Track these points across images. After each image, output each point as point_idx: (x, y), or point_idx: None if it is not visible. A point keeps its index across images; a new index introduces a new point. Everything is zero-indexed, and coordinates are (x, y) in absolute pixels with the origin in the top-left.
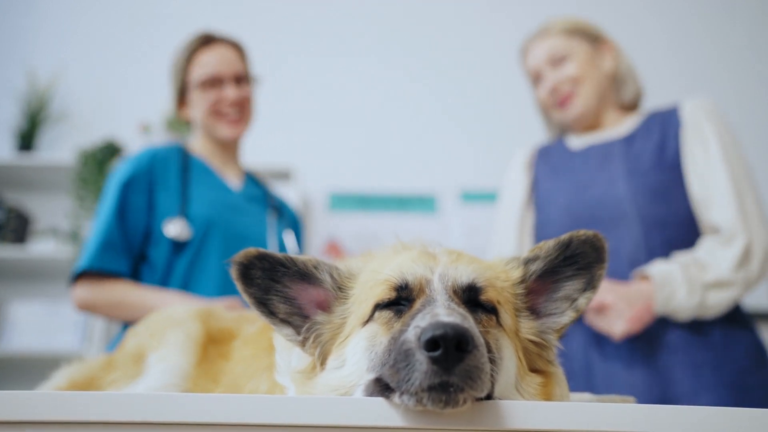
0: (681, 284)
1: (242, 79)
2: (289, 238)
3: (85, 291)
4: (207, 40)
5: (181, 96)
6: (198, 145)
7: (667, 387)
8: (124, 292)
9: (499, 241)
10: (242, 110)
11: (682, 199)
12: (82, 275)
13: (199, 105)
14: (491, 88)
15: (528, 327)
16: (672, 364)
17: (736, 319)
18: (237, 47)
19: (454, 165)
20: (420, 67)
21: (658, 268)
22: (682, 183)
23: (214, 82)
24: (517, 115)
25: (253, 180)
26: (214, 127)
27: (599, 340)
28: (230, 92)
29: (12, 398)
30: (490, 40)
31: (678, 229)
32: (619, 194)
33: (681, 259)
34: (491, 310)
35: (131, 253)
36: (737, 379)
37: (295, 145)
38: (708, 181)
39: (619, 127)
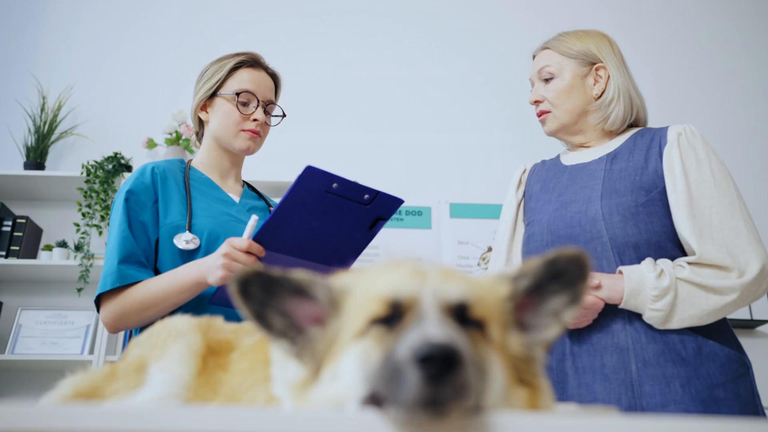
0: (651, 280)
1: (270, 107)
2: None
3: (112, 306)
4: (254, 63)
5: (207, 99)
6: (199, 159)
7: (637, 400)
8: (145, 288)
9: (494, 258)
10: (260, 132)
11: (658, 222)
12: (107, 294)
13: (223, 112)
14: (486, 102)
15: (516, 341)
16: (643, 378)
17: (715, 331)
18: (276, 79)
19: (447, 179)
20: (414, 80)
21: (633, 267)
22: (660, 206)
23: (248, 98)
24: (511, 130)
25: (250, 190)
26: (234, 137)
27: (573, 353)
28: (258, 114)
29: (13, 411)
30: (484, 55)
31: (655, 253)
32: (595, 214)
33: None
34: (480, 326)
35: (150, 264)
36: (706, 393)
37: (289, 161)
38: (689, 208)
39: (608, 144)
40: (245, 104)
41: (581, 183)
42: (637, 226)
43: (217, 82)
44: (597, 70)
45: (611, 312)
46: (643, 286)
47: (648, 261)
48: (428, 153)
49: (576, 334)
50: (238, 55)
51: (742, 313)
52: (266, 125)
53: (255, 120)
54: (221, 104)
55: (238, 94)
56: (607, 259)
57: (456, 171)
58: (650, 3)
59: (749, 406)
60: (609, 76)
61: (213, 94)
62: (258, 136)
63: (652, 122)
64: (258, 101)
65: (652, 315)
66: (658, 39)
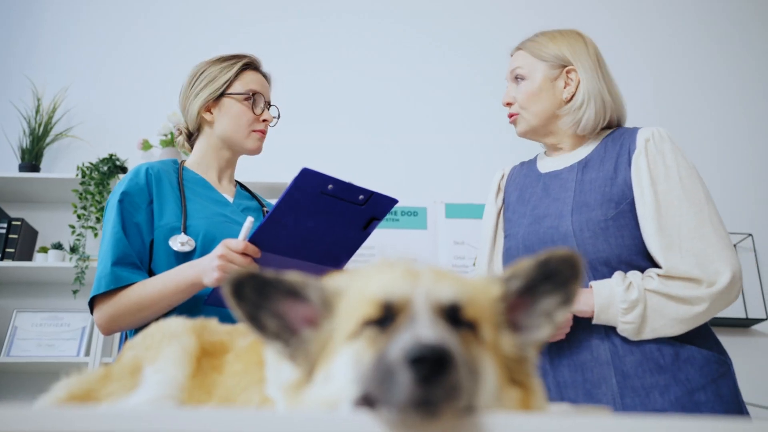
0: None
1: (269, 106)
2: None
3: (106, 308)
4: (256, 66)
5: (212, 100)
6: (194, 159)
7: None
8: (140, 290)
9: (478, 265)
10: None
11: (628, 236)
12: (101, 297)
13: (234, 113)
14: (483, 103)
15: (508, 342)
16: (624, 390)
17: (693, 334)
18: (269, 80)
19: (443, 179)
20: (411, 80)
21: (602, 282)
22: (630, 218)
23: (257, 99)
24: (507, 130)
25: (243, 191)
26: (245, 138)
27: (554, 366)
28: (267, 114)
29: (8, 413)
30: (483, 55)
31: (626, 267)
32: (566, 231)
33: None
34: (472, 327)
35: (144, 266)
36: (686, 398)
37: (286, 162)
38: (657, 221)
39: (580, 150)
40: (256, 105)
41: (554, 195)
42: (607, 241)
43: (225, 82)
44: (568, 73)
45: (588, 327)
46: (612, 299)
47: (617, 274)
48: (424, 153)
49: (555, 351)
50: (240, 57)
51: (737, 312)
52: (268, 123)
53: (265, 120)
54: (231, 105)
55: (253, 95)
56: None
57: (452, 171)
58: (650, 3)
59: (732, 405)
60: (579, 81)
61: (220, 95)
62: (265, 135)
63: (652, 122)
64: (264, 102)
65: (624, 327)
66: (658, 39)
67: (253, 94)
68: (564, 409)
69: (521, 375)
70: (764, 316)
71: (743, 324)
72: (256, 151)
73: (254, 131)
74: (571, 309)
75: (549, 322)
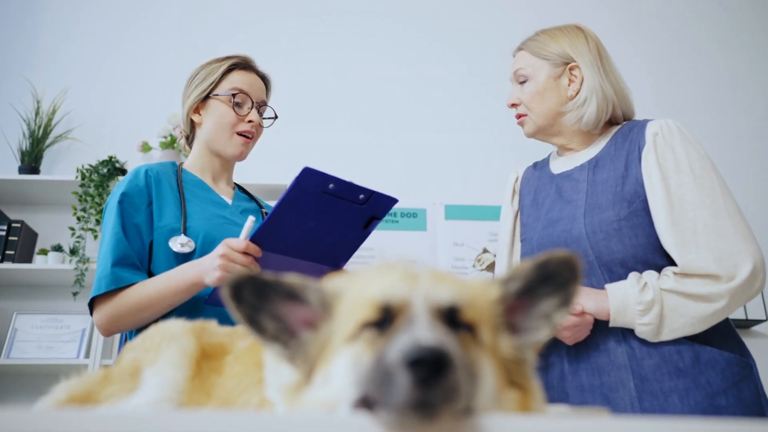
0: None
1: (262, 109)
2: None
3: (106, 309)
4: (246, 66)
5: (200, 101)
6: (191, 161)
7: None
8: (140, 290)
9: (498, 269)
10: (254, 134)
11: (642, 234)
12: (101, 297)
13: (218, 114)
14: (482, 103)
15: (507, 344)
16: (642, 394)
17: (714, 335)
18: (266, 80)
19: (442, 180)
20: (410, 81)
21: (617, 285)
22: (643, 216)
23: (243, 99)
24: (507, 131)
25: (242, 193)
26: (228, 141)
27: (573, 372)
28: (253, 115)
29: (8, 415)
30: (483, 55)
31: (642, 267)
32: (579, 234)
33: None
34: (471, 329)
35: (144, 267)
36: (706, 403)
37: (284, 162)
38: (671, 217)
39: (590, 149)
40: (239, 105)
41: (566, 197)
42: (621, 242)
43: (211, 84)
44: (571, 69)
45: (605, 330)
46: (628, 302)
47: (633, 276)
48: (423, 154)
49: (574, 354)
50: (229, 57)
51: (737, 313)
52: (260, 127)
53: (250, 121)
54: (216, 106)
55: (234, 95)
56: (596, 278)
57: (451, 172)
58: (650, 3)
59: (754, 408)
60: (583, 77)
61: (207, 97)
62: (251, 138)
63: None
64: (252, 102)
65: (642, 329)
66: (658, 39)
67: (234, 95)
68: (562, 410)
69: (520, 377)
70: (764, 317)
71: (743, 325)
72: (239, 156)
73: (238, 134)
74: (569, 311)
75: (548, 324)
